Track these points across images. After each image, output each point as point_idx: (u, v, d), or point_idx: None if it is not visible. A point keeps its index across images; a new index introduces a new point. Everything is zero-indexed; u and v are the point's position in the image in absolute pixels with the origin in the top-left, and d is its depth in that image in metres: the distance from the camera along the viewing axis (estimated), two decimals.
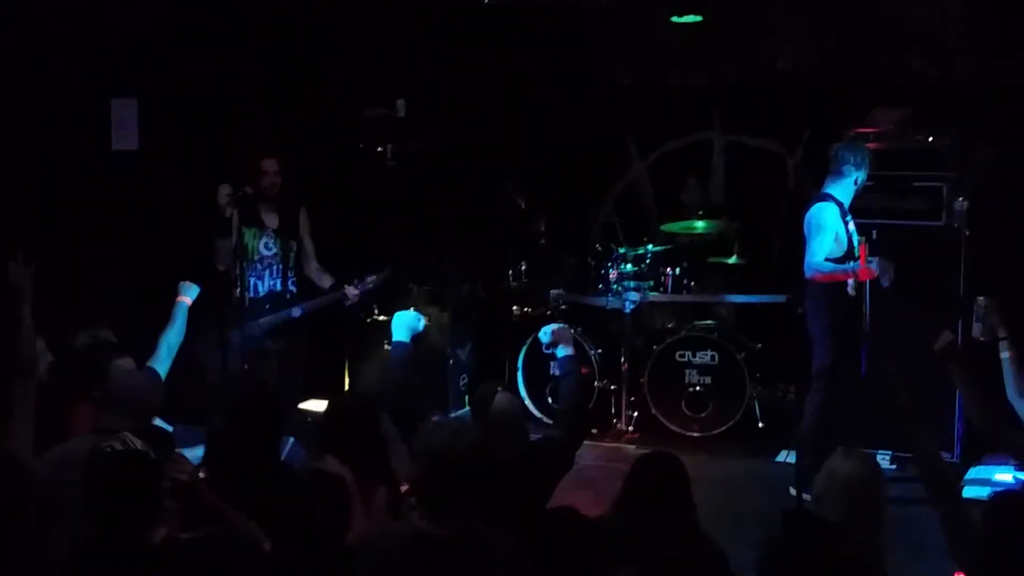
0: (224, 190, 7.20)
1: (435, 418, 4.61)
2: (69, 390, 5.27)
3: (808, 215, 6.80)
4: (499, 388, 4.86)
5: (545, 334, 5.32)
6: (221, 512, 3.90)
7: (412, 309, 5.74)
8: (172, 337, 5.76)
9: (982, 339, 5.08)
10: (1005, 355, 4.99)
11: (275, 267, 7.44)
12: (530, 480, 4.56)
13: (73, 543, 3.71)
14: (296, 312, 7.40)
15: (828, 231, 6.69)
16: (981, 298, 5.16)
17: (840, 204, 6.77)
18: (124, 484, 3.57)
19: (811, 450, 6.58)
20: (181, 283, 6.06)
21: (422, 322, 5.59)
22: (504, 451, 4.58)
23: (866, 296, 6.87)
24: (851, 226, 6.81)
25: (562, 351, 5.20)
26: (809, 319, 6.94)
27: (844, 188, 6.82)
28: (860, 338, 6.92)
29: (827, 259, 6.68)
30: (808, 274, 6.73)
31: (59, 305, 6.24)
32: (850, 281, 6.70)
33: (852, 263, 6.67)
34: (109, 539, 3.57)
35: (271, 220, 7.44)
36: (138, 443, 3.69)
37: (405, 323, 5.45)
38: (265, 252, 7.41)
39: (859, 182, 6.82)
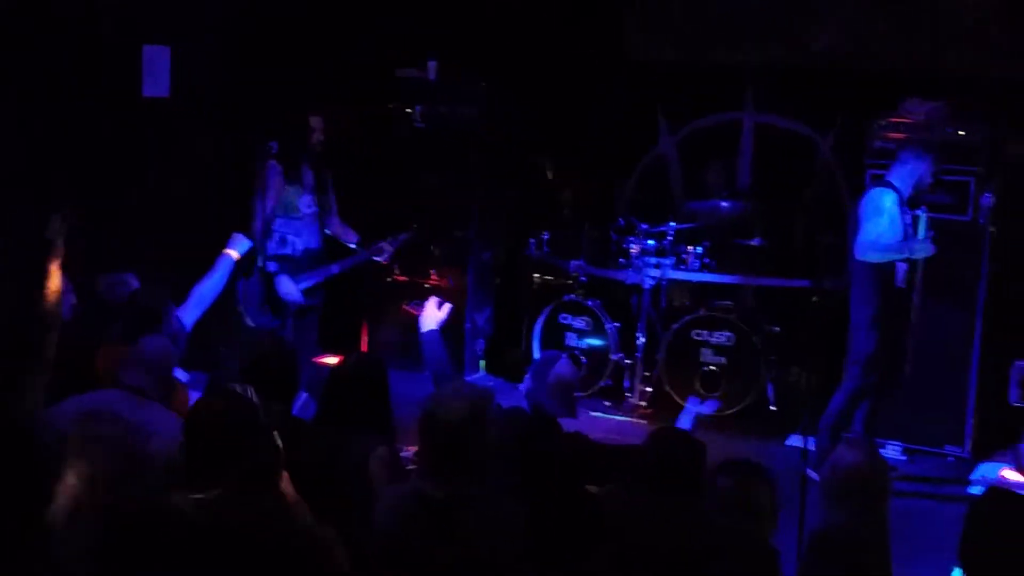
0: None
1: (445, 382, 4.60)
2: (90, 334, 5.32)
3: (865, 198, 6.79)
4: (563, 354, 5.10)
5: (691, 412, 5.54)
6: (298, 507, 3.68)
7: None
8: (207, 287, 5.74)
9: (1021, 404, 4.98)
10: None
11: (314, 225, 7.45)
12: (558, 465, 4.56)
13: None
14: (334, 269, 7.37)
15: (884, 215, 6.66)
16: (1021, 363, 5.05)
17: (899, 192, 6.74)
18: (224, 430, 3.54)
19: (834, 433, 6.65)
20: (233, 234, 6.01)
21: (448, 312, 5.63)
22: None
23: (917, 287, 6.82)
24: (909, 217, 6.76)
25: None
26: (853, 307, 6.89)
27: (904, 177, 6.79)
28: (905, 330, 6.86)
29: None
30: (859, 255, 6.68)
31: (89, 252, 6.27)
32: (899, 273, 6.70)
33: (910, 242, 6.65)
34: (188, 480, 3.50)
35: (309, 177, 7.42)
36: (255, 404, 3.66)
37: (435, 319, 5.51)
38: (307, 210, 7.35)
39: (916, 174, 6.77)
